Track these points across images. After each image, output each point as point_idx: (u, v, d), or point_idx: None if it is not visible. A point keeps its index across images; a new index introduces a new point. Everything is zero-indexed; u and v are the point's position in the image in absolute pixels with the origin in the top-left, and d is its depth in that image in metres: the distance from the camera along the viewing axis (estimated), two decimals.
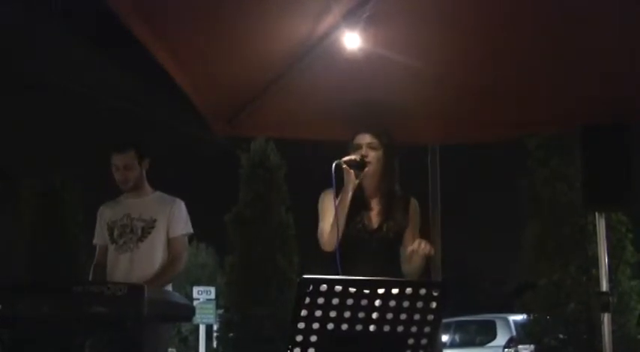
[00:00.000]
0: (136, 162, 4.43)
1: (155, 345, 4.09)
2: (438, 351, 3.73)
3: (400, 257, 3.74)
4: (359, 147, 3.71)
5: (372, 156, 3.69)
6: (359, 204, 3.68)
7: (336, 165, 3.55)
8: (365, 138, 3.73)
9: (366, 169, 3.65)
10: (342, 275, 3.19)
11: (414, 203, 3.84)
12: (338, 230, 3.50)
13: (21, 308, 3.33)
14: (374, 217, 3.72)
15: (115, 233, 4.42)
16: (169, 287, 4.41)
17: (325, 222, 3.67)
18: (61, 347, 3.79)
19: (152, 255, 4.35)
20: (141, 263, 4.32)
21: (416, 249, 3.46)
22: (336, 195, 3.56)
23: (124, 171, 4.40)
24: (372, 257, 3.61)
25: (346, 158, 3.60)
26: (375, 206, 3.74)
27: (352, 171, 3.58)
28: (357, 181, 3.61)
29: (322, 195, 3.77)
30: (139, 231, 4.38)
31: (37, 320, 3.41)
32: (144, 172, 4.49)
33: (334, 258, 3.46)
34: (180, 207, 4.47)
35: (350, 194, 3.58)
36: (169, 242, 4.40)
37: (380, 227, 3.70)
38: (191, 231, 4.50)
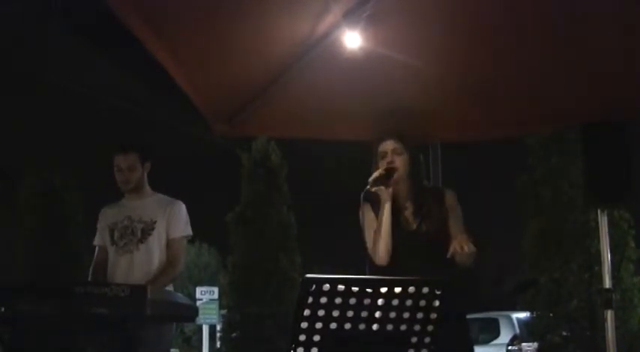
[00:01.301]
0: (139, 164, 4.43)
1: (157, 345, 4.08)
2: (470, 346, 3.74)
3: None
4: (384, 155, 3.70)
5: (399, 160, 3.68)
6: (394, 208, 3.68)
7: (365, 192, 3.59)
8: (389, 145, 3.70)
9: (395, 175, 3.65)
10: None
11: (449, 194, 3.81)
12: (378, 248, 3.61)
13: (22, 308, 3.33)
14: (410, 218, 3.71)
15: (116, 235, 4.42)
16: (171, 287, 4.40)
17: (371, 242, 3.69)
18: (63, 347, 3.79)
19: (151, 257, 4.34)
20: (140, 264, 4.32)
21: (458, 251, 3.45)
22: (376, 214, 3.65)
23: (127, 173, 4.41)
24: (417, 258, 3.59)
25: (372, 178, 3.59)
26: (410, 206, 3.74)
27: (383, 187, 3.59)
28: (390, 190, 3.62)
29: (361, 210, 3.78)
30: (139, 233, 4.37)
31: (39, 320, 3.41)
32: (145, 174, 4.49)
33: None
34: (180, 209, 4.47)
35: (388, 210, 3.62)
36: (168, 243, 4.39)
37: (419, 226, 3.70)
38: (190, 233, 4.49)
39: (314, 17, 3.60)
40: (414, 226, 3.70)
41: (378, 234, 3.61)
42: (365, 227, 3.74)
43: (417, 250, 3.63)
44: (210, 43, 3.81)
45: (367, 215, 3.73)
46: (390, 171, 3.63)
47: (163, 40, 3.67)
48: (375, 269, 3.63)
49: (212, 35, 3.73)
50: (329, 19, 3.59)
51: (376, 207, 3.69)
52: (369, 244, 3.68)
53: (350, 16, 3.50)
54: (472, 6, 3.54)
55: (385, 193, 3.61)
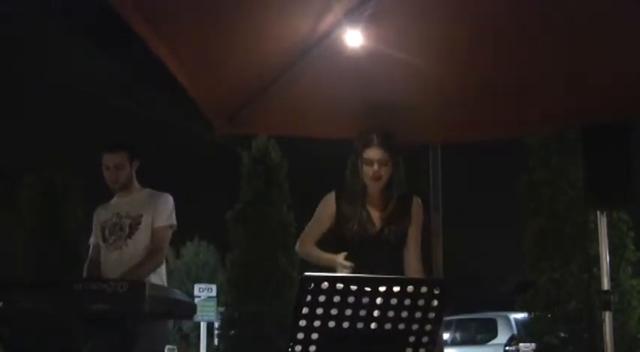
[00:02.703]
0: (127, 163, 4.44)
1: (154, 342, 4.09)
2: (439, 349, 3.73)
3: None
4: (370, 162, 3.69)
5: (384, 170, 3.69)
6: (362, 208, 3.73)
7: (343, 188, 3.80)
8: (375, 154, 3.68)
9: (375, 185, 3.71)
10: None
11: (417, 202, 3.84)
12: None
13: (21, 305, 3.33)
14: (376, 220, 3.74)
15: (106, 232, 4.44)
16: (163, 281, 4.39)
17: (311, 230, 3.90)
18: (62, 344, 3.79)
19: (139, 250, 4.35)
20: (129, 258, 4.32)
21: None
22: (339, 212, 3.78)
23: (115, 171, 4.41)
24: (375, 260, 3.61)
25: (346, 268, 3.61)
26: (378, 209, 3.77)
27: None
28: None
29: (324, 199, 3.86)
30: (127, 229, 4.39)
31: (38, 317, 3.41)
32: (133, 172, 4.50)
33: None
34: (166, 200, 4.47)
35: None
36: (152, 233, 4.38)
37: (382, 230, 3.72)
38: (174, 222, 4.46)
39: (315, 16, 3.60)
40: (377, 229, 3.73)
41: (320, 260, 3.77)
42: (317, 218, 3.87)
43: (376, 252, 3.67)
44: (212, 42, 3.82)
45: (324, 206, 3.84)
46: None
47: (164, 39, 3.67)
48: None
49: (213, 34, 3.73)
50: (330, 18, 3.59)
51: (343, 207, 3.77)
52: (302, 237, 3.89)
53: (351, 15, 3.50)
54: (473, 6, 3.54)
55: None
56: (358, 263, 3.57)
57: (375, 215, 3.75)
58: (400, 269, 3.72)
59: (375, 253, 3.66)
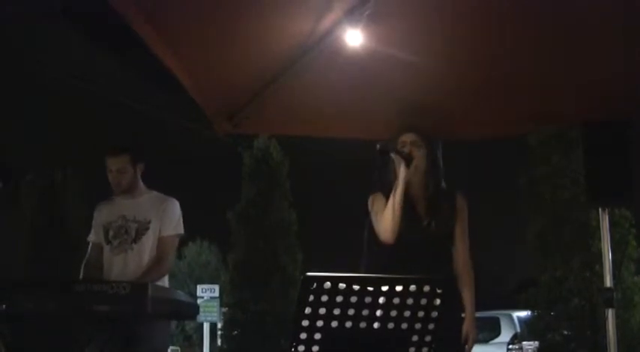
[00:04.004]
0: (130, 166, 4.39)
1: (155, 342, 4.08)
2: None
3: (451, 254, 3.78)
4: (404, 144, 3.73)
5: (418, 154, 3.70)
6: (406, 202, 3.69)
7: (380, 149, 3.63)
8: (409, 137, 3.75)
9: (413, 164, 3.68)
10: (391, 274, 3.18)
11: (460, 198, 3.84)
12: (384, 223, 3.63)
13: (23, 305, 3.33)
14: (422, 215, 3.74)
15: (110, 234, 4.41)
16: (165, 283, 4.38)
17: (381, 220, 3.70)
18: (64, 345, 3.79)
19: (144, 256, 4.33)
20: (134, 263, 4.30)
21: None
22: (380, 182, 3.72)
23: (117, 175, 4.38)
24: (421, 255, 3.60)
25: (399, 146, 3.66)
26: (422, 203, 3.76)
27: (404, 161, 3.63)
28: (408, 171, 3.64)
29: (371, 198, 3.81)
30: (133, 233, 4.36)
31: (40, 318, 3.42)
32: (138, 175, 4.46)
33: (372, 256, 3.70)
34: (173, 207, 4.45)
35: (402, 187, 3.62)
36: (158, 241, 4.37)
37: (428, 224, 3.72)
38: (181, 231, 4.46)
39: (316, 15, 3.60)
40: (425, 222, 3.72)
41: (388, 210, 3.62)
42: (374, 213, 3.75)
43: (423, 246, 3.65)
44: (212, 41, 3.82)
45: (378, 202, 3.75)
46: (410, 157, 3.66)
47: (165, 39, 3.68)
48: (376, 259, 3.68)
49: (213, 33, 3.73)
50: (331, 17, 3.59)
51: (388, 197, 3.71)
52: (377, 223, 3.70)
53: (351, 14, 3.50)
54: (474, 5, 3.53)
55: (404, 171, 3.62)
56: (406, 258, 3.55)
57: (421, 207, 3.75)
58: (447, 262, 3.72)
59: (422, 246, 3.64)
